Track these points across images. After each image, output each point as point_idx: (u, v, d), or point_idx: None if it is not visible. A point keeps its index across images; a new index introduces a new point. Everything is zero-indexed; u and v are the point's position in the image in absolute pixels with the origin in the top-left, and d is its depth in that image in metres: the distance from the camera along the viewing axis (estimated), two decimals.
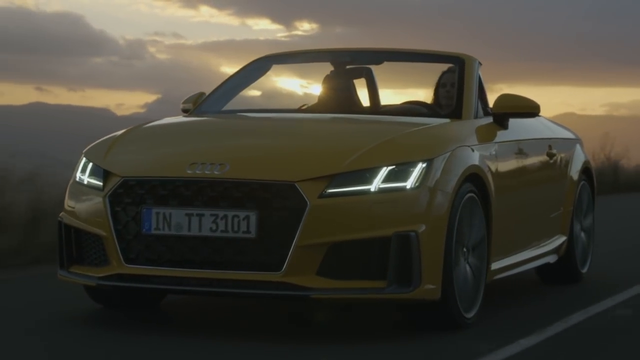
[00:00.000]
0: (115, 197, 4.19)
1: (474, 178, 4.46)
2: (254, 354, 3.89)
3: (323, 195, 4.01)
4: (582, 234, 6.12)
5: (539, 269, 5.79)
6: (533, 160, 5.41)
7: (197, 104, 5.39)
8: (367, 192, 4.05)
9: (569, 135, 6.23)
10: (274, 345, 4.03)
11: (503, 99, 5.05)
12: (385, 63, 5.68)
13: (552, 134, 5.86)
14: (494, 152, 4.79)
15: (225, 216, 4.02)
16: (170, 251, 4.09)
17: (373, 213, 4.02)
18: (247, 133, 4.65)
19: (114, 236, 4.15)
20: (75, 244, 4.36)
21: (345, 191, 4.04)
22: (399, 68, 6.00)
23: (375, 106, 5.60)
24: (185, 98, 5.55)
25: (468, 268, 4.43)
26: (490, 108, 5.15)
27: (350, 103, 5.35)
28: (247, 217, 4.00)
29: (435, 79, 5.41)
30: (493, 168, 4.71)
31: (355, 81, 5.53)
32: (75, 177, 4.49)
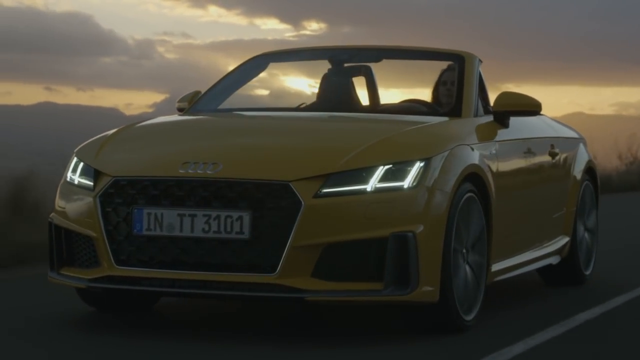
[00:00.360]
0: (106, 197, 4.11)
1: (474, 177, 4.37)
2: (249, 357, 3.81)
3: (318, 195, 3.92)
4: (586, 235, 6.02)
5: (541, 270, 5.69)
6: (535, 159, 5.31)
7: (192, 103, 5.31)
8: (364, 191, 3.96)
9: (572, 134, 6.13)
10: (270, 347, 3.95)
11: (504, 97, 4.95)
12: (386, 61, 5.59)
13: (554, 133, 5.76)
14: (494, 151, 4.70)
15: (218, 217, 3.93)
16: (162, 252, 4.01)
17: (369, 213, 3.93)
18: (241, 132, 4.56)
19: (105, 237, 4.07)
20: (66, 245, 4.28)
21: (341, 191, 3.95)
22: (400, 66, 5.91)
23: (374, 105, 5.51)
24: (181, 96, 5.47)
25: (467, 269, 4.33)
26: (491, 106, 5.06)
27: (348, 101, 5.27)
28: (240, 218, 3.91)
29: (435, 77, 5.32)
30: (493, 167, 4.62)
31: (355, 79, 5.44)
32: (66, 176, 4.41)
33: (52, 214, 4.41)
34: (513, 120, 5.05)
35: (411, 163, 4.05)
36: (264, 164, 4.03)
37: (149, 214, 4.01)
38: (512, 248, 4.98)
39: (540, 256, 5.39)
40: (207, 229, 3.94)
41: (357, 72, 5.50)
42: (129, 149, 4.37)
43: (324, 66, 5.46)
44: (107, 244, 4.06)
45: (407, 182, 4.02)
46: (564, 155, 5.73)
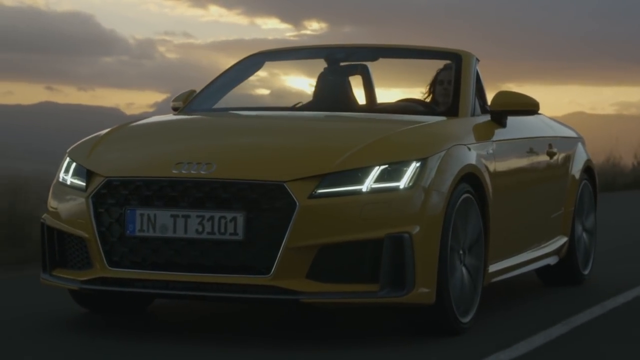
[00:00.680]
0: (99, 198, 4.06)
1: (471, 178, 4.32)
2: (243, 359, 3.77)
3: (313, 196, 3.87)
4: (584, 235, 5.98)
5: (539, 270, 5.65)
6: (532, 159, 5.27)
7: (187, 102, 5.26)
8: (359, 192, 3.92)
9: (571, 133, 6.08)
10: (266, 350, 3.91)
11: (501, 96, 4.90)
12: (383, 60, 5.54)
13: (552, 132, 5.72)
14: (491, 151, 4.65)
15: (212, 217, 3.89)
16: (155, 254, 3.96)
17: (365, 214, 3.88)
18: (236, 131, 4.51)
19: (97, 238, 4.02)
20: (58, 247, 4.23)
21: (336, 191, 3.90)
22: (397, 65, 5.86)
23: (371, 104, 5.46)
24: (176, 96, 5.42)
25: (464, 271, 4.28)
26: (489, 106, 5.01)
27: (345, 101, 5.22)
28: (234, 219, 3.87)
29: (432, 76, 5.27)
30: (490, 167, 4.57)
31: (352, 78, 5.40)
32: (59, 177, 4.36)
33: (45, 214, 4.37)
34: (510, 119, 5.00)
35: (407, 163, 4.00)
36: (258, 164, 3.99)
37: (142, 214, 3.97)
38: (510, 249, 4.93)
39: (538, 257, 5.35)
40: (200, 230, 3.89)
41: (354, 71, 5.44)
42: (122, 149, 4.32)
43: (321, 65, 5.42)
44: (100, 245, 4.02)
45: (403, 183, 3.97)
46: (562, 155, 5.68)
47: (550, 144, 5.55)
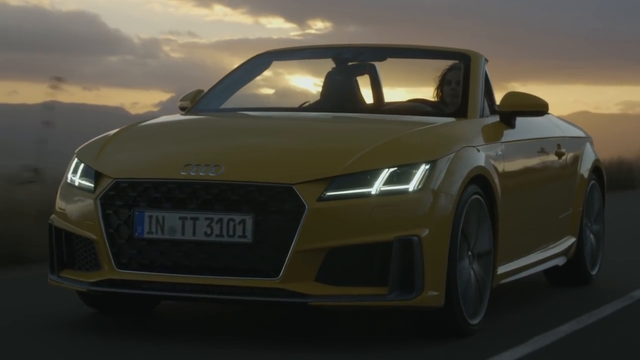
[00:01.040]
0: (107, 200, 4.05)
1: (480, 179, 4.30)
2: None
3: (322, 199, 3.86)
4: (592, 235, 5.96)
5: (546, 271, 5.64)
6: (541, 160, 5.25)
7: (195, 102, 5.24)
8: (368, 195, 3.90)
9: (579, 133, 6.06)
10: (271, 352, 3.90)
11: (510, 97, 4.88)
12: (391, 60, 5.52)
13: (561, 132, 5.70)
14: (500, 152, 4.63)
15: (221, 220, 3.87)
16: (163, 256, 3.95)
17: (374, 217, 3.86)
18: (244, 133, 4.49)
19: (106, 240, 4.01)
20: (66, 248, 4.22)
21: (345, 194, 3.88)
22: (405, 65, 5.84)
23: (379, 104, 5.44)
24: (183, 95, 5.41)
25: (473, 273, 4.27)
26: (497, 106, 4.99)
27: (352, 101, 5.19)
28: (243, 221, 3.85)
29: (439, 76, 5.24)
30: (499, 169, 4.55)
31: (359, 78, 5.37)
32: (67, 178, 4.35)
33: (53, 215, 4.36)
34: (519, 120, 4.98)
35: (416, 166, 3.98)
36: (266, 166, 3.97)
37: (150, 216, 3.95)
38: (519, 250, 4.92)
39: (547, 257, 5.33)
40: (209, 232, 3.88)
41: (362, 70, 5.42)
42: (130, 150, 4.31)
43: (328, 65, 5.40)
44: (108, 247, 4.01)
45: (412, 185, 3.95)
46: (570, 155, 5.66)
47: (559, 144, 5.52)
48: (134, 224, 3.97)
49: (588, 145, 6.06)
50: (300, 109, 5.18)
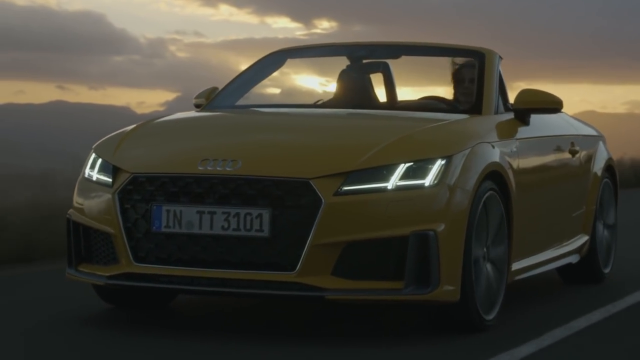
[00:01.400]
0: (125, 194, 4.08)
1: (495, 175, 4.32)
2: (265, 355, 3.78)
3: (338, 193, 3.88)
4: (605, 233, 5.97)
5: (560, 269, 5.65)
6: (555, 157, 5.26)
7: (210, 99, 5.27)
8: (384, 189, 3.92)
9: (592, 132, 6.07)
10: (286, 346, 3.92)
11: (525, 94, 4.90)
12: (404, 58, 5.54)
13: (574, 130, 5.71)
14: (515, 149, 4.65)
15: (238, 214, 3.90)
16: (180, 250, 3.98)
17: (390, 211, 3.89)
18: (261, 128, 4.52)
19: (123, 234, 4.04)
20: (84, 242, 4.25)
21: (361, 189, 3.91)
22: (419, 63, 5.86)
23: (392, 102, 5.46)
24: (198, 93, 5.44)
25: (488, 269, 4.28)
26: (511, 104, 5.01)
27: (366, 98, 5.22)
28: (259, 215, 3.88)
29: (450, 73, 5.26)
30: (514, 165, 4.57)
31: (373, 76, 5.40)
32: (84, 173, 4.38)
33: (70, 210, 4.39)
34: (533, 117, 5.00)
35: (432, 161, 4.01)
36: (283, 161, 4.00)
37: (167, 211, 3.98)
38: (532, 247, 4.93)
39: (560, 255, 5.34)
40: (226, 226, 3.91)
41: (375, 68, 5.45)
42: (148, 145, 4.34)
43: (340, 63, 5.42)
44: (126, 241, 4.04)
45: (428, 180, 3.97)
46: (583, 153, 5.67)
47: (572, 142, 5.54)
48: (152, 218, 4.00)
49: (601, 143, 6.07)
50: (315, 106, 5.21)
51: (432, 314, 4.18)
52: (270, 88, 5.63)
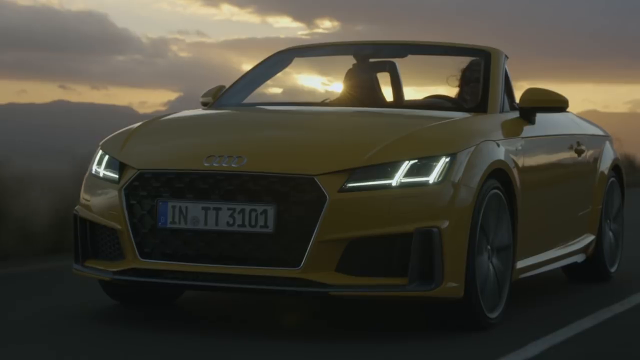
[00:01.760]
0: (131, 190, 4.10)
1: (499, 173, 4.33)
2: (274, 352, 3.80)
3: (343, 190, 3.90)
4: (611, 233, 5.97)
5: (566, 268, 5.65)
6: (560, 156, 5.27)
7: (217, 97, 5.30)
8: (389, 186, 3.94)
9: (598, 131, 6.07)
10: (289, 342, 3.94)
11: (530, 93, 4.91)
12: (411, 58, 5.56)
13: (580, 130, 5.72)
14: (520, 148, 4.66)
15: (243, 210, 3.92)
16: (186, 246, 4.00)
17: (394, 208, 3.90)
18: (266, 125, 4.55)
19: (129, 230, 4.06)
20: (91, 238, 4.28)
21: (365, 185, 3.93)
22: (425, 62, 5.87)
23: (399, 101, 5.48)
24: (205, 91, 5.46)
25: (492, 266, 4.29)
26: (517, 102, 5.02)
27: (372, 97, 5.24)
28: (264, 211, 3.90)
29: (458, 74, 5.27)
30: (519, 164, 4.58)
31: (380, 75, 5.42)
32: (91, 169, 4.41)
33: (77, 206, 4.42)
34: (539, 116, 5.01)
35: (437, 158, 4.02)
36: (288, 157, 4.02)
37: (173, 207, 4.00)
38: (537, 245, 4.94)
39: (565, 254, 5.35)
40: (231, 222, 3.93)
41: (382, 68, 5.47)
42: (154, 142, 4.37)
43: (345, 62, 5.44)
44: (132, 236, 4.06)
45: (432, 177, 3.99)
46: (590, 153, 5.67)
47: (578, 142, 5.54)
48: (158, 214, 4.02)
49: (607, 143, 6.07)
50: (321, 104, 5.23)
51: (436, 311, 4.19)
52: (275, 88, 5.65)
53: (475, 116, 4.71)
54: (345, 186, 3.91)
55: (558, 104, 4.93)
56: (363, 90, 5.25)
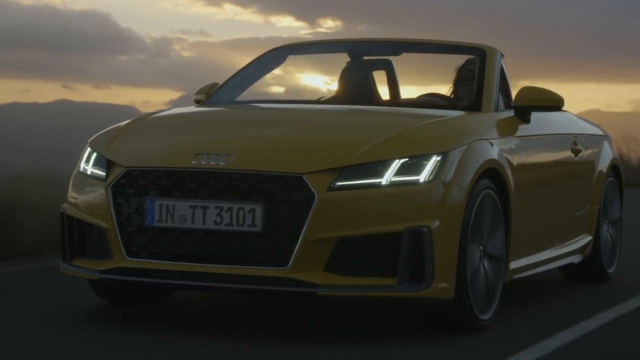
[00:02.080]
0: (118, 188, 4.06)
1: (492, 173, 4.27)
2: (266, 354, 3.74)
3: (332, 188, 3.85)
4: (610, 234, 5.91)
5: (564, 268, 5.59)
6: (556, 156, 5.21)
7: (210, 95, 5.25)
8: (378, 185, 3.88)
9: (597, 131, 6.01)
10: (280, 344, 3.89)
11: (525, 91, 4.85)
12: (406, 56, 5.50)
13: (578, 129, 5.65)
14: (514, 147, 4.60)
15: (230, 209, 3.87)
16: (173, 244, 3.95)
17: (384, 207, 3.85)
18: (256, 123, 4.50)
19: (116, 228, 4.01)
20: (78, 236, 4.23)
21: (355, 184, 3.87)
22: (422, 61, 5.81)
23: (395, 99, 5.43)
24: (198, 89, 5.42)
25: (484, 267, 4.23)
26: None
27: (368, 95, 5.19)
28: (252, 210, 3.85)
29: (454, 72, 5.22)
30: (513, 163, 4.52)
31: (376, 74, 5.36)
32: (79, 167, 4.36)
33: (65, 204, 4.37)
34: (535, 115, 4.95)
35: (428, 157, 3.96)
36: (277, 155, 3.97)
37: (160, 205, 3.96)
38: (532, 246, 4.88)
39: (561, 255, 5.29)
40: (219, 221, 3.88)
41: (378, 66, 5.42)
42: (143, 139, 4.32)
43: (342, 60, 5.39)
44: (119, 235, 4.01)
45: (423, 176, 3.93)
46: (587, 153, 5.61)
47: (575, 141, 5.48)
48: (145, 212, 3.97)
49: (606, 143, 6.01)
50: (315, 102, 5.18)
51: (426, 313, 4.13)
52: (270, 87, 5.61)
53: (469, 115, 4.65)
54: (334, 185, 3.86)
55: (553, 103, 4.87)
56: (358, 88, 5.20)
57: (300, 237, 3.80)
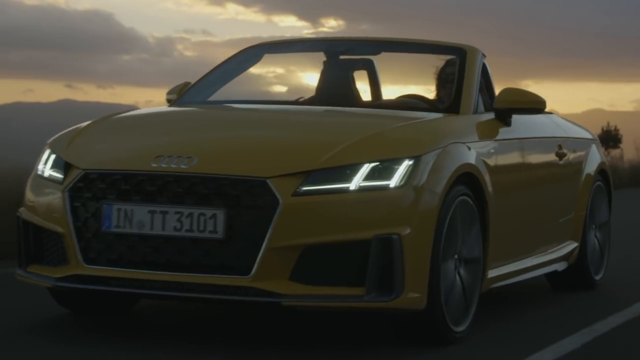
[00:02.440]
0: (75, 191, 3.87)
1: (469, 178, 4.09)
2: None
3: (297, 193, 3.66)
4: (596, 240, 5.73)
5: (549, 275, 5.41)
6: (538, 160, 5.03)
7: (181, 94, 5.07)
8: (346, 190, 3.70)
9: (584, 134, 5.83)
10: (254, 355, 3.71)
11: (506, 93, 4.67)
12: (393, 55, 5.33)
13: (563, 133, 5.48)
14: (492, 151, 4.41)
15: (191, 214, 3.69)
16: (131, 251, 3.77)
17: (352, 214, 3.66)
18: (223, 125, 4.31)
19: (73, 234, 3.83)
20: (34, 242, 4.05)
21: (321, 189, 3.69)
22: (406, 60, 5.64)
23: (376, 100, 5.25)
24: (171, 88, 5.25)
25: (459, 276, 4.05)
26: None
27: (347, 96, 5.02)
28: (214, 216, 3.67)
29: (435, 72, 5.05)
30: (491, 167, 4.34)
31: (357, 74, 5.19)
32: (37, 169, 4.18)
33: (21, 208, 4.19)
34: (518, 119, 4.78)
35: (399, 161, 3.78)
36: (241, 158, 3.78)
37: (118, 209, 3.78)
38: (512, 254, 4.70)
39: (544, 262, 5.11)
40: (179, 227, 3.70)
41: (359, 65, 5.25)
42: (103, 140, 4.14)
43: (322, 58, 5.22)
44: (76, 241, 3.83)
45: (393, 181, 3.75)
46: (573, 156, 5.43)
47: (559, 145, 5.30)
48: (102, 217, 3.79)
49: (594, 147, 5.84)
50: (293, 103, 5.00)
51: (397, 325, 3.95)
52: (273, 87, 5.46)
53: (446, 117, 4.47)
54: (300, 190, 3.68)
55: (535, 105, 4.69)
56: (337, 89, 5.04)
57: (264, 244, 3.62)
